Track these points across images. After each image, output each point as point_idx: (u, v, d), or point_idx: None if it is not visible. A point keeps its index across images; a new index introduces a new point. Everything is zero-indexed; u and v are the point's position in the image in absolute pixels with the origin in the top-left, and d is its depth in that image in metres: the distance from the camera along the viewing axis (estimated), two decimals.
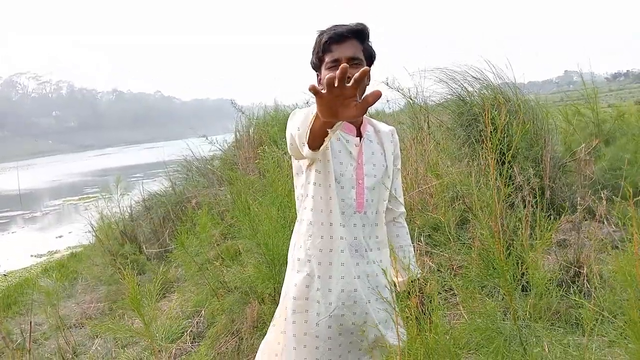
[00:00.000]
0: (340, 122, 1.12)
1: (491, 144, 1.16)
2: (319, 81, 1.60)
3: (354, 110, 0.99)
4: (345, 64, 0.93)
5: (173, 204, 6.22)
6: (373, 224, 1.61)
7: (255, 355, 1.80)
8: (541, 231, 1.21)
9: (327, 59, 1.53)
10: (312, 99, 1.04)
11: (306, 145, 1.28)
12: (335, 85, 0.93)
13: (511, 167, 3.63)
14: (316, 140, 1.24)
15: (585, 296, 2.49)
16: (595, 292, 2.25)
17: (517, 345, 1.10)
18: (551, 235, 1.21)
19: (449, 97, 4.93)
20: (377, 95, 0.95)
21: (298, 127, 1.32)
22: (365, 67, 0.91)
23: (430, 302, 1.51)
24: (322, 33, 1.55)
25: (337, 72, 0.92)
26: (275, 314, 1.70)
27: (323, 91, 0.97)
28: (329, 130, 1.18)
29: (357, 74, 0.91)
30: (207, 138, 7.34)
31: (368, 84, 1.61)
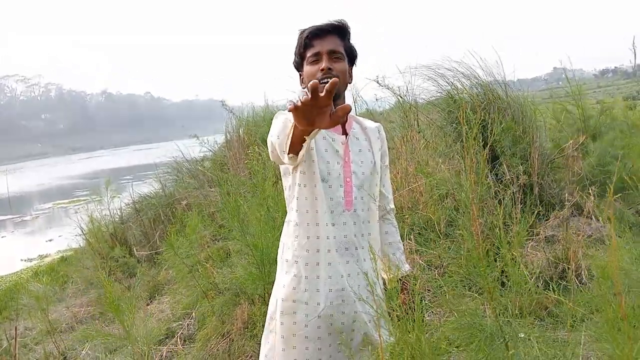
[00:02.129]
0: (317, 129, 1.14)
1: (470, 142, 1.17)
2: (302, 81, 1.61)
3: (328, 120, 1.03)
4: (315, 80, 0.96)
5: (163, 205, 6.19)
6: (365, 221, 1.60)
7: (246, 357, 1.79)
8: (524, 228, 1.21)
9: (309, 53, 1.54)
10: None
11: (286, 153, 1.29)
12: (305, 102, 0.97)
13: (499, 164, 3.65)
14: (296, 146, 1.26)
15: (573, 292, 2.51)
16: (582, 287, 2.27)
17: (500, 343, 1.10)
18: (527, 231, 1.21)
19: (438, 95, 4.95)
20: (346, 109, 1.01)
21: (278, 135, 1.34)
22: (334, 79, 0.95)
23: (421, 300, 1.52)
24: (303, 31, 1.56)
25: (310, 84, 0.96)
26: (267, 315, 1.69)
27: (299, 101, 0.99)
28: (306, 137, 1.20)
29: (327, 85, 0.95)
30: (198, 138, 7.31)
31: (350, 82, 1.62)
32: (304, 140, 1.23)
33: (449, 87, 4.80)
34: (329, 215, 1.54)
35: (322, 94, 0.96)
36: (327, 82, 1.36)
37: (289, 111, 1.02)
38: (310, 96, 0.97)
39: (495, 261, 1.17)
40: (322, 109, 1.00)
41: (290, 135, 1.23)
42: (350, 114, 1.65)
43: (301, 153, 1.29)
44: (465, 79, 4.78)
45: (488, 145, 1.34)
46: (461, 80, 4.79)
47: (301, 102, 0.98)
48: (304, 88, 1.58)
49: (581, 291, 2.15)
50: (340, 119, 1.02)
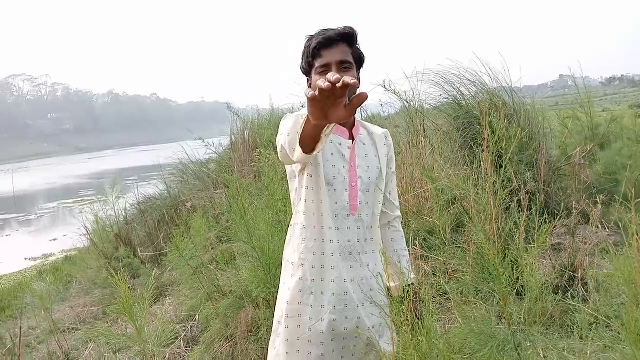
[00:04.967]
0: (332, 124, 1.12)
1: (488, 147, 1.16)
2: (310, 86, 1.60)
3: (343, 112, 1.00)
4: (334, 74, 0.93)
5: (168, 207, 6.21)
6: (368, 227, 1.60)
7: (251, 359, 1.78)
8: (537, 235, 1.20)
9: (317, 64, 1.53)
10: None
11: (297, 150, 1.27)
12: (327, 89, 0.93)
13: (507, 170, 3.63)
14: (308, 144, 1.23)
15: (580, 301, 2.49)
16: (590, 296, 2.25)
17: (511, 350, 1.09)
18: (546, 239, 1.20)
19: (445, 100, 4.95)
20: (362, 98, 0.97)
21: (288, 133, 1.33)
22: (355, 81, 0.92)
23: (424, 306, 1.51)
24: (311, 38, 1.55)
25: (331, 77, 0.92)
26: (274, 317, 1.69)
27: (315, 92, 0.96)
28: (323, 135, 1.18)
29: (347, 79, 0.92)
30: (203, 141, 7.34)
31: (358, 87, 1.61)
32: (315, 138, 1.20)
33: (456, 93, 4.80)
34: (333, 219, 1.53)
35: (339, 85, 0.92)
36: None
37: (307, 97, 0.99)
38: (330, 84, 0.92)
39: (512, 269, 1.16)
40: (337, 100, 0.98)
41: (301, 131, 1.20)
42: (357, 119, 1.65)
43: (317, 150, 1.24)
44: (472, 85, 4.78)
45: (509, 155, 1.32)
46: (467, 86, 4.80)
47: (321, 89, 0.93)
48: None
49: (589, 300, 2.13)
50: (356, 107, 0.99)
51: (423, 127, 4.86)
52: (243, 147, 6.82)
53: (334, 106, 0.99)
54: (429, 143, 4.66)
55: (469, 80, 4.78)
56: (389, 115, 6.54)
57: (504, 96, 4.57)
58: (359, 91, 1.00)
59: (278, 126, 1.48)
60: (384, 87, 4.92)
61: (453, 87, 4.83)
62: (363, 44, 1.61)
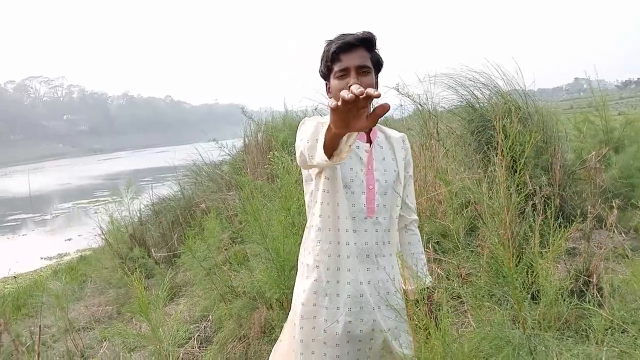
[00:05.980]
0: (355, 134, 1.13)
1: (503, 151, 1.16)
2: (328, 90, 1.61)
3: (365, 122, 1.00)
4: (358, 87, 0.93)
5: (182, 208, 6.25)
6: (386, 230, 1.61)
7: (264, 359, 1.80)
8: (553, 239, 1.20)
9: (336, 68, 1.54)
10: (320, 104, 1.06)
11: (316, 156, 1.27)
12: (349, 100, 0.93)
13: (523, 175, 3.61)
14: (328, 151, 1.24)
15: (595, 306, 2.46)
16: (606, 301, 2.23)
17: (525, 355, 1.09)
18: (562, 243, 1.20)
19: (458, 103, 4.93)
20: (385, 109, 0.97)
21: (307, 140, 1.33)
22: (379, 92, 0.93)
23: (439, 310, 1.51)
24: (330, 43, 1.56)
25: (356, 90, 0.92)
26: (287, 318, 1.71)
27: (338, 103, 0.97)
28: (345, 144, 1.17)
29: (370, 91, 0.92)
30: (217, 142, 7.38)
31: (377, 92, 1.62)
32: (335, 145, 1.19)
33: (469, 97, 4.78)
34: (351, 222, 1.54)
35: (362, 97, 0.93)
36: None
37: (330, 107, 0.99)
38: (353, 96, 0.93)
39: (527, 273, 1.16)
40: (359, 111, 0.98)
41: (322, 139, 1.20)
42: None
43: (344, 157, 1.22)
44: (486, 88, 4.76)
45: (523, 159, 1.32)
46: (481, 89, 4.77)
47: (344, 100, 0.94)
48: (330, 97, 1.58)
49: (604, 306, 2.11)
50: (379, 118, 1.00)
51: (436, 130, 4.85)
52: (256, 149, 6.85)
53: (356, 117, 0.99)
54: (442, 146, 4.64)
55: (483, 83, 4.76)
56: (402, 118, 6.53)
57: (518, 100, 4.54)
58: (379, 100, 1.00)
59: (292, 128, 1.50)
60: (397, 90, 4.92)
61: (467, 91, 4.81)
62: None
